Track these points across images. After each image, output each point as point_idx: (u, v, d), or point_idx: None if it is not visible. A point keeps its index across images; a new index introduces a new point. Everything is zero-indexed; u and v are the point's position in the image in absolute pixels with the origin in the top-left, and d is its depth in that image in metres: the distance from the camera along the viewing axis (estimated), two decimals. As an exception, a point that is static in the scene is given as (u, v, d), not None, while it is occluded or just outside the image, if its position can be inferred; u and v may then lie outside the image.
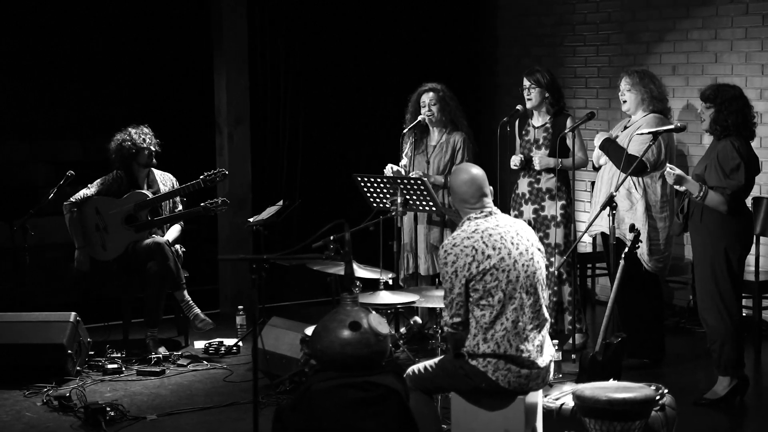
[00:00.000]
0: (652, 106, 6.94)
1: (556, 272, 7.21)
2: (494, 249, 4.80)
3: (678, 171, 6.17)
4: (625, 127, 7.03)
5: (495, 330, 4.79)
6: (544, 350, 4.93)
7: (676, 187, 6.25)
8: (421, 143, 7.54)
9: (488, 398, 4.87)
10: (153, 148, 7.53)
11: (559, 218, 7.29)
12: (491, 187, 5.04)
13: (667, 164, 6.31)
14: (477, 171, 5.02)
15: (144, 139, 7.48)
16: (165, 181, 7.68)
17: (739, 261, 6.22)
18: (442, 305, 4.96)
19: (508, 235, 4.86)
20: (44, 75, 8.77)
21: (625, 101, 6.99)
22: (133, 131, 7.49)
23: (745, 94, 6.27)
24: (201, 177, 7.55)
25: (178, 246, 7.60)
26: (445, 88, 7.51)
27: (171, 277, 7.36)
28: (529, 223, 7.23)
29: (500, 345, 4.79)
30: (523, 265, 4.83)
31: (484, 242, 4.81)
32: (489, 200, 4.98)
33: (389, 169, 7.31)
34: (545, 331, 4.95)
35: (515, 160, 7.39)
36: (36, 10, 8.65)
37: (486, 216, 4.92)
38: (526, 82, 7.34)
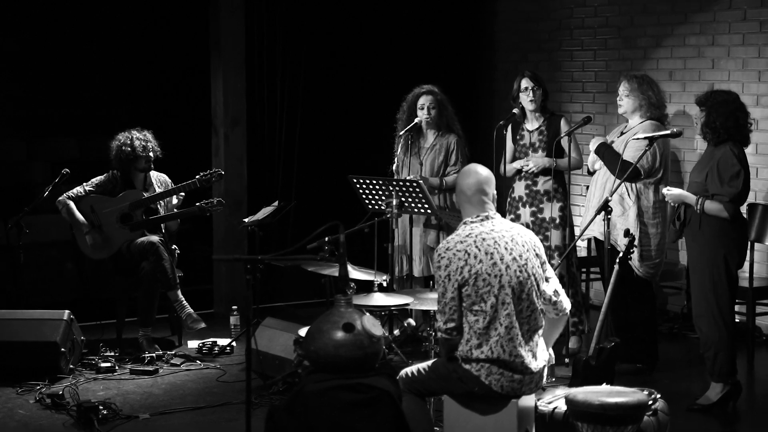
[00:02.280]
0: (650, 113, 6.93)
1: (557, 274, 7.20)
2: (486, 254, 4.80)
3: (674, 191, 6.22)
4: (622, 133, 7.03)
5: (489, 335, 4.79)
6: (538, 355, 4.93)
7: (674, 204, 6.31)
8: (414, 145, 7.53)
9: (481, 402, 4.87)
10: (152, 156, 7.53)
11: (558, 220, 7.30)
12: (494, 192, 5.04)
13: (665, 189, 6.36)
14: (486, 173, 5.00)
15: (144, 146, 7.47)
16: (160, 181, 7.68)
17: (736, 269, 6.23)
18: (436, 309, 4.95)
19: (502, 240, 4.86)
20: (41, 74, 8.76)
21: (621, 105, 6.99)
22: (135, 136, 7.48)
23: (741, 100, 6.27)
24: (197, 177, 7.55)
25: (173, 246, 7.60)
26: (440, 91, 7.51)
27: (164, 276, 7.36)
28: (528, 227, 7.23)
29: (493, 350, 4.78)
30: (515, 270, 4.82)
31: (476, 246, 4.80)
32: (491, 204, 4.97)
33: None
34: (538, 336, 4.95)
35: (519, 164, 7.37)
36: (34, 10, 8.64)
37: (482, 220, 4.91)
38: (529, 83, 7.31)
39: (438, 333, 4.92)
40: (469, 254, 4.79)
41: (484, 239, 4.83)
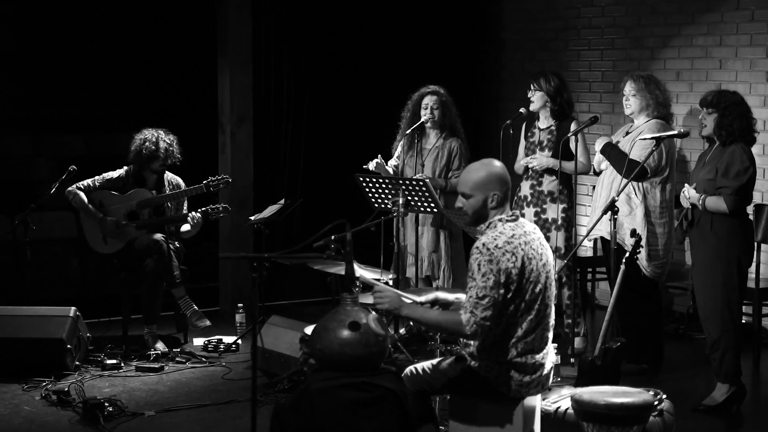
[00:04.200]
0: (656, 112, 6.93)
1: (555, 276, 7.20)
2: (529, 258, 4.68)
3: (693, 194, 6.22)
4: (627, 133, 7.03)
5: (509, 334, 4.72)
6: (548, 356, 4.91)
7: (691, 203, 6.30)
8: (415, 145, 7.51)
9: (486, 401, 4.86)
10: (170, 161, 7.53)
11: (560, 221, 7.29)
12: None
13: (685, 190, 6.34)
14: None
15: (167, 150, 7.47)
16: (173, 184, 7.66)
17: (746, 269, 6.23)
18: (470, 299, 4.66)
19: (535, 244, 4.74)
20: (47, 70, 8.77)
21: (628, 105, 6.99)
22: (162, 137, 7.46)
23: (746, 100, 6.27)
24: (204, 182, 7.56)
25: (179, 244, 7.60)
26: (445, 92, 7.51)
27: (167, 274, 7.36)
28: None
29: (508, 352, 4.74)
30: (545, 276, 4.74)
31: (522, 249, 4.67)
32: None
33: (372, 164, 7.31)
34: (550, 340, 4.93)
35: (525, 162, 7.38)
36: (40, 5, 8.65)
37: (514, 220, 4.76)
38: (531, 85, 7.38)
39: (470, 323, 4.62)
40: (516, 256, 4.64)
41: (526, 242, 4.70)
